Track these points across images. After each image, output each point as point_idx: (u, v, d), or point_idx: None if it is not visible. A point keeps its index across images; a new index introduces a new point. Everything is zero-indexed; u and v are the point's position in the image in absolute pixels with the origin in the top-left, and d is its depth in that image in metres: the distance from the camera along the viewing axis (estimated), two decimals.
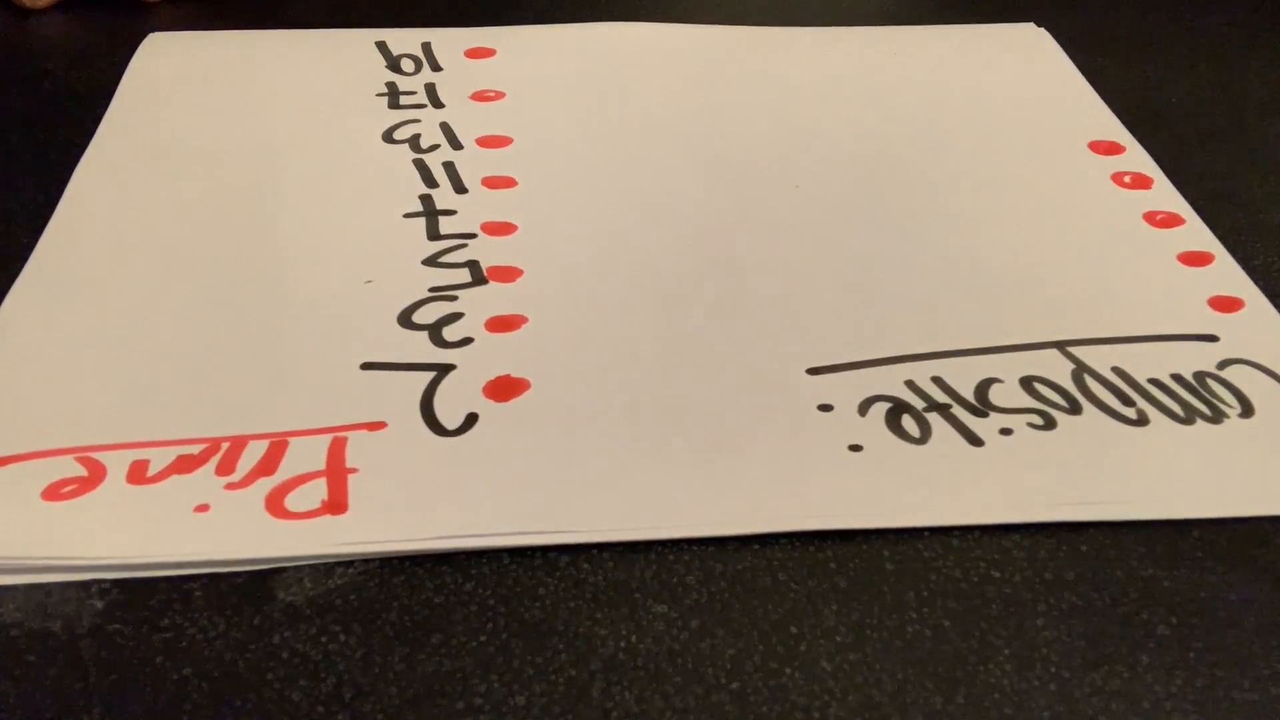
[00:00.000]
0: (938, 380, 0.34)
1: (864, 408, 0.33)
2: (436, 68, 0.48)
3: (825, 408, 0.33)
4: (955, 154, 0.44)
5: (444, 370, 0.33)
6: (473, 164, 0.42)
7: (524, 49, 0.49)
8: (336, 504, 0.29)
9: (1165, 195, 0.43)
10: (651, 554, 0.29)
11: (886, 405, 0.33)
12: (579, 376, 0.34)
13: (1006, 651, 0.27)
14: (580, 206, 0.40)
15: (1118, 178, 0.43)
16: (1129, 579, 0.29)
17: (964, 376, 0.34)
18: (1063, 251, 0.39)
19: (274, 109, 0.45)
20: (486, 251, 0.38)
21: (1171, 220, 0.41)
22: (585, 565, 0.29)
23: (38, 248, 0.37)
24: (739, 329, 0.35)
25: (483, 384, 0.33)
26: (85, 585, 0.28)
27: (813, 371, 0.34)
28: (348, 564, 0.28)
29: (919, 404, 0.33)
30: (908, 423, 0.32)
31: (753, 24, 0.52)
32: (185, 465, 0.30)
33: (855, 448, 0.32)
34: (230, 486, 0.30)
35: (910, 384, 0.34)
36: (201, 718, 0.25)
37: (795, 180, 0.42)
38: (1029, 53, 0.51)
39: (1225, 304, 0.37)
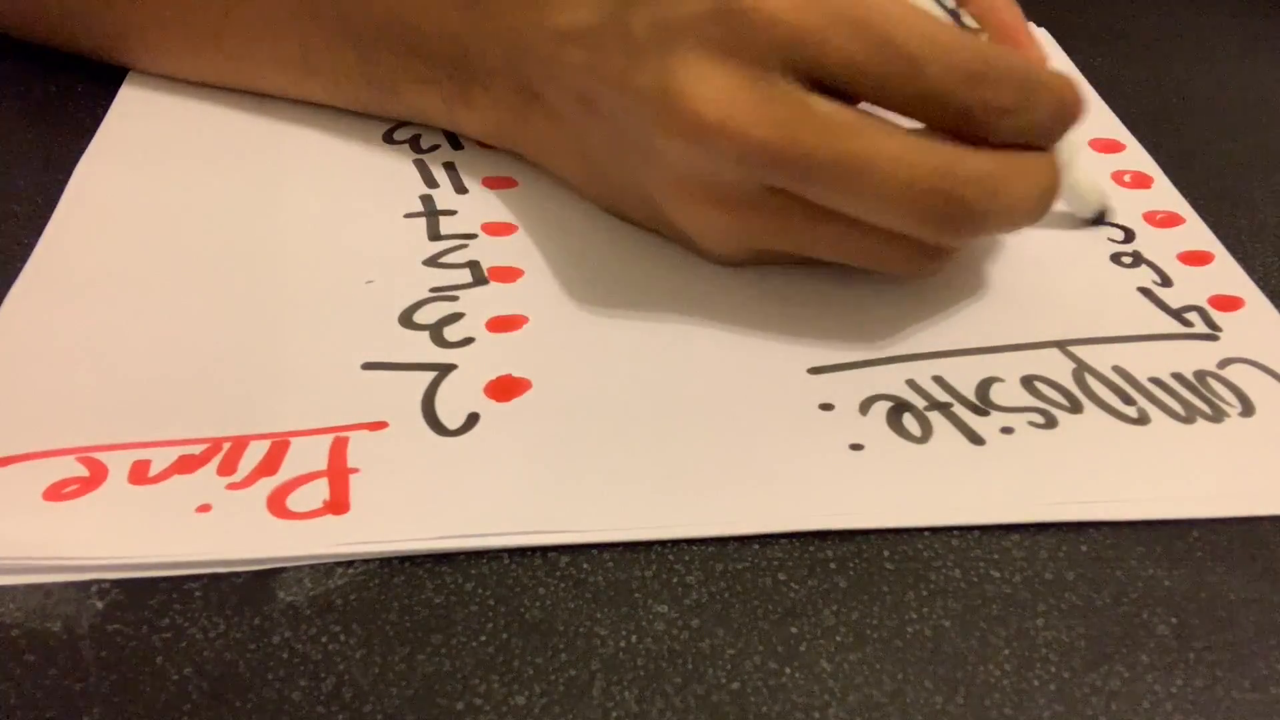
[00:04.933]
0: (939, 379, 0.34)
1: (865, 406, 0.33)
2: None
3: (826, 407, 0.33)
4: None
5: (445, 370, 0.34)
6: (473, 164, 0.42)
7: None
8: (338, 504, 0.29)
9: (1165, 194, 0.43)
10: (651, 554, 0.29)
11: (888, 404, 0.33)
12: (579, 376, 0.34)
13: (1006, 651, 0.27)
14: (580, 206, 0.40)
15: (1118, 176, 0.43)
16: (1129, 579, 0.29)
17: (965, 375, 0.34)
18: (1063, 250, 0.39)
19: (276, 110, 0.45)
20: (487, 251, 0.38)
21: (1171, 219, 0.41)
22: (585, 565, 0.29)
23: (38, 248, 0.37)
24: (739, 328, 0.35)
25: (484, 384, 0.33)
26: (85, 585, 0.28)
27: (814, 371, 0.34)
28: (348, 564, 0.28)
29: (920, 403, 0.33)
30: (909, 421, 0.32)
31: None
32: (187, 465, 0.30)
33: (856, 447, 0.32)
34: (232, 486, 0.30)
35: (911, 383, 0.34)
36: (201, 718, 0.25)
37: None
38: None
39: (1225, 303, 0.37)
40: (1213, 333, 0.36)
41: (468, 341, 0.35)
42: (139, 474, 0.30)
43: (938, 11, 0.34)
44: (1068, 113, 0.33)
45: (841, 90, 0.32)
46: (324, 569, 0.28)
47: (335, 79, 0.42)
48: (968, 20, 0.35)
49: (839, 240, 0.34)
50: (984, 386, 0.34)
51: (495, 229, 0.39)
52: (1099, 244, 0.40)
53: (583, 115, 0.37)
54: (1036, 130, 0.33)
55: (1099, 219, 0.40)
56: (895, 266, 0.35)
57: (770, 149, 0.32)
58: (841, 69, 0.31)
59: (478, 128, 0.42)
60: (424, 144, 0.43)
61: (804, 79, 0.32)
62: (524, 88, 0.39)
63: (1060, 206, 0.40)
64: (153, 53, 0.45)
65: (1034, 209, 0.33)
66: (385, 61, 0.41)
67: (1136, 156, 0.45)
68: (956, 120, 0.32)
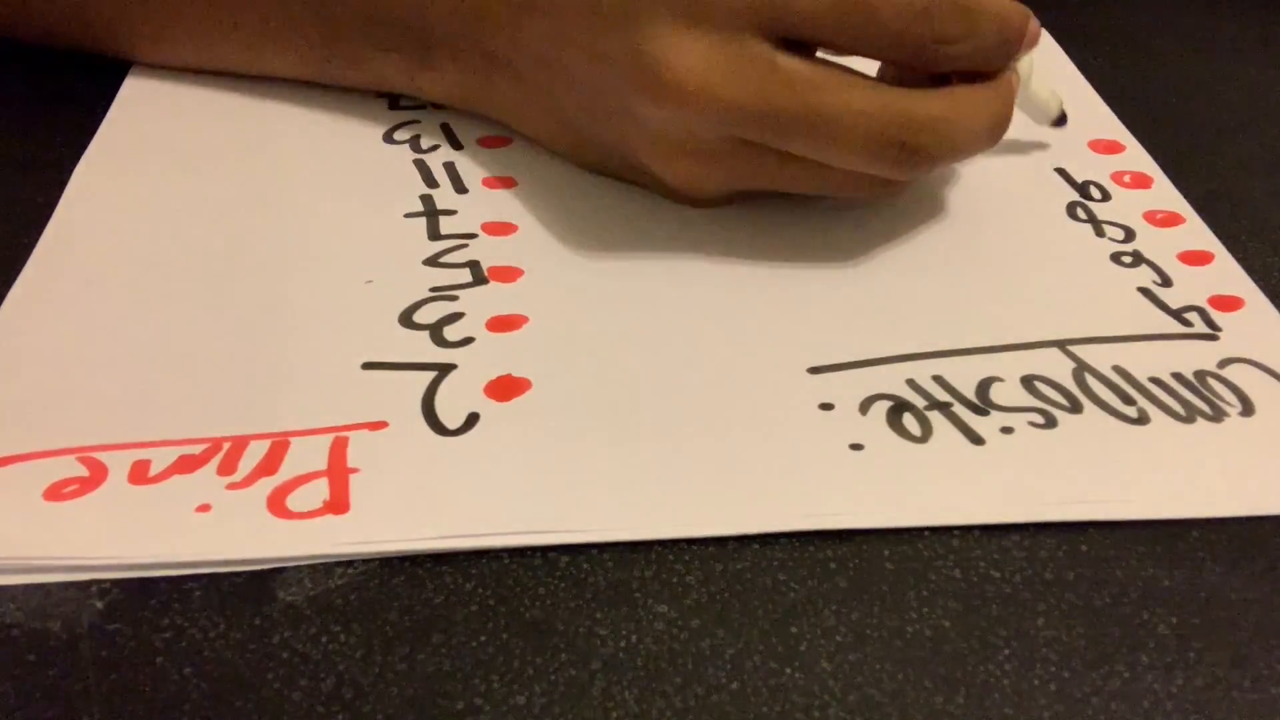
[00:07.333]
0: (939, 379, 0.34)
1: (865, 406, 0.33)
2: None
3: (826, 406, 0.33)
4: None
5: (445, 370, 0.34)
6: (473, 164, 0.42)
7: None
8: (338, 504, 0.29)
9: (1165, 194, 0.43)
10: (651, 554, 0.29)
11: (888, 404, 0.33)
12: (579, 376, 0.34)
13: (1006, 651, 0.27)
14: (580, 206, 0.40)
15: (1118, 177, 0.43)
16: (1129, 579, 0.29)
17: (965, 375, 0.34)
18: (1063, 250, 0.39)
19: (275, 110, 0.45)
20: (487, 251, 0.38)
21: (1171, 219, 0.41)
22: (585, 565, 0.29)
23: (38, 248, 0.38)
24: (739, 328, 0.35)
25: (484, 384, 0.33)
26: (85, 585, 0.28)
27: (813, 370, 0.34)
28: (348, 564, 0.28)
29: (920, 402, 0.33)
30: (909, 421, 0.32)
31: None
32: (187, 465, 0.30)
33: (856, 446, 0.32)
34: (232, 486, 0.30)
35: (911, 383, 0.34)
36: (201, 718, 0.25)
37: None
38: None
39: (1225, 303, 0.37)
40: (1213, 333, 0.36)
41: (468, 341, 0.35)
42: (139, 474, 0.30)
43: None
44: (1012, 35, 0.37)
45: (803, 40, 0.35)
46: (324, 569, 0.28)
47: (297, 49, 0.43)
48: None
49: (806, 177, 0.37)
50: (984, 386, 0.34)
51: (495, 229, 0.39)
52: (1099, 244, 0.40)
53: (549, 78, 0.39)
54: (984, 55, 0.36)
55: (1059, 123, 0.44)
56: (858, 196, 0.39)
57: (746, 110, 0.34)
58: (805, 22, 0.34)
59: (441, 92, 0.43)
60: (424, 144, 0.43)
61: (769, 36, 0.34)
62: (487, 53, 0.40)
63: (1021, 117, 0.42)
64: (117, 39, 0.46)
65: (984, 140, 0.37)
66: (346, 30, 0.42)
67: (1136, 156, 0.45)
68: (911, 54, 0.35)
